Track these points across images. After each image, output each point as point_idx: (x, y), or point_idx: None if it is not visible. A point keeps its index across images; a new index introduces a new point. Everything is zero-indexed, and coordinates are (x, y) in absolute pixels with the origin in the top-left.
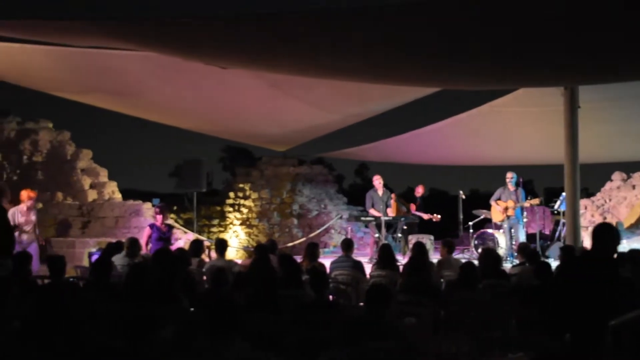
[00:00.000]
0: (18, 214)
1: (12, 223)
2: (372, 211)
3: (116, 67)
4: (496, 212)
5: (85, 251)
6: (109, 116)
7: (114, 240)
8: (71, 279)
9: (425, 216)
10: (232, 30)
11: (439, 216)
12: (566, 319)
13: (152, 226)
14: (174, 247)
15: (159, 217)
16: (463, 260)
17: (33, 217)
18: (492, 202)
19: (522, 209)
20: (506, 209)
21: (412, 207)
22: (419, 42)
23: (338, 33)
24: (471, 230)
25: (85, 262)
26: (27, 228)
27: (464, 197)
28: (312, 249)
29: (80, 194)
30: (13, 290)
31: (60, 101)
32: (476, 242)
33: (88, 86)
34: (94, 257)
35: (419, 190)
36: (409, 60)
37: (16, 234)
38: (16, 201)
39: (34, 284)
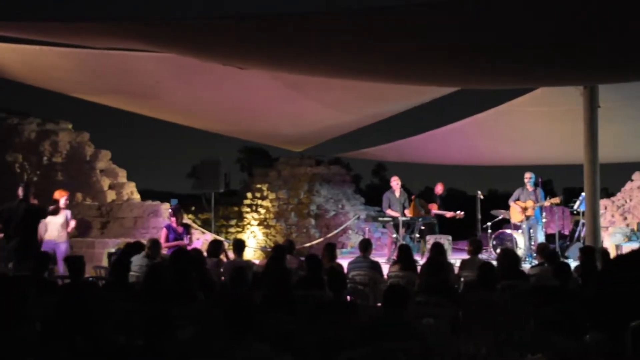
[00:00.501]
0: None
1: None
2: (390, 211)
3: (135, 68)
4: (515, 213)
5: (104, 251)
6: (127, 117)
7: (132, 241)
8: (91, 279)
9: (449, 214)
10: (250, 31)
11: (462, 212)
12: (610, 320)
13: (168, 227)
14: (190, 248)
15: (173, 219)
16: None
17: (62, 218)
18: (511, 203)
19: (541, 209)
20: (525, 209)
21: (434, 206)
22: (438, 42)
23: (357, 32)
24: (489, 231)
25: (105, 262)
26: (56, 228)
27: (482, 197)
28: (330, 250)
29: (99, 195)
30: (33, 290)
31: (79, 102)
32: (494, 242)
33: (107, 87)
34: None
35: (439, 189)
36: (427, 59)
37: (46, 234)
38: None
39: (54, 284)
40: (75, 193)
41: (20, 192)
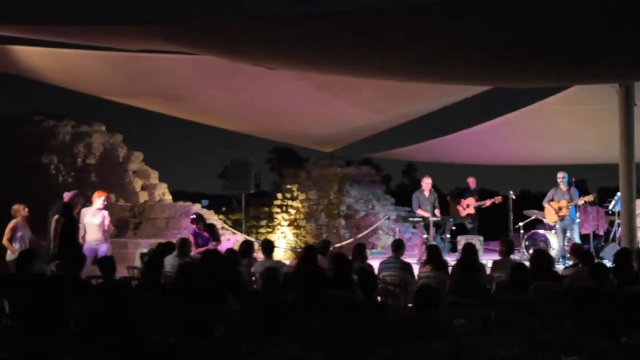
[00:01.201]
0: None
1: (80, 223)
2: (420, 211)
3: (166, 70)
4: (550, 214)
5: (137, 252)
6: (159, 119)
7: (164, 241)
8: (123, 279)
9: (488, 202)
10: (280, 31)
11: (500, 197)
12: None
13: (195, 234)
14: (223, 248)
15: (195, 227)
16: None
17: (99, 219)
18: (545, 204)
19: (576, 208)
20: (559, 209)
21: (472, 200)
22: (470, 40)
23: (388, 32)
24: (522, 231)
25: (137, 263)
26: (95, 229)
27: (514, 197)
28: (361, 250)
29: (132, 196)
30: (67, 290)
31: (112, 105)
32: (527, 243)
33: (139, 89)
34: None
35: (472, 184)
36: (460, 58)
37: (85, 236)
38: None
39: (89, 284)
40: (108, 194)
41: (67, 198)
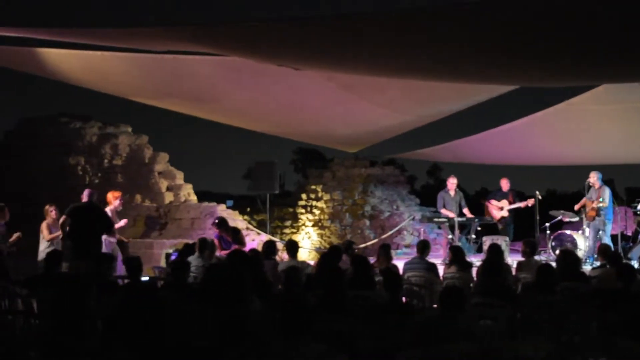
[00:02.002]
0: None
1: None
2: (444, 211)
3: (191, 71)
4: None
5: (162, 252)
6: (184, 120)
7: (190, 242)
8: (149, 279)
9: (522, 204)
10: (305, 32)
11: (532, 200)
12: None
13: (219, 238)
14: (247, 248)
15: (217, 232)
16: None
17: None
18: (577, 206)
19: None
20: (589, 209)
21: (505, 203)
22: (496, 39)
23: (413, 32)
24: (548, 232)
25: (163, 263)
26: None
27: (540, 197)
28: (386, 251)
29: (157, 196)
30: (94, 290)
31: (138, 106)
32: (553, 243)
33: (164, 91)
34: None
35: (505, 185)
36: (485, 57)
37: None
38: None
39: (115, 284)
40: (134, 195)
41: (85, 197)
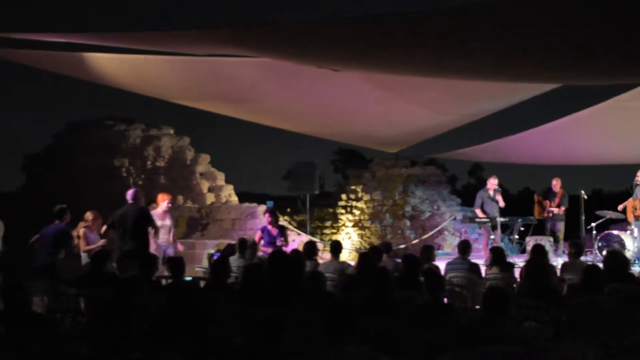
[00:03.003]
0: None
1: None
2: (478, 211)
3: (232, 73)
4: (629, 212)
5: (204, 252)
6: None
7: (232, 242)
8: (192, 279)
9: (556, 210)
10: (345, 33)
11: (563, 207)
12: None
13: (263, 230)
14: (288, 249)
15: (269, 220)
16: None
17: (168, 221)
18: (621, 206)
19: None
20: (634, 208)
21: (547, 204)
22: (539, 36)
23: (455, 30)
24: (594, 232)
25: (205, 263)
26: (164, 231)
27: (585, 197)
28: (428, 251)
29: (199, 198)
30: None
31: (180, 108)
32: (600, 244)
33: (206, 93)
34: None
35: (555, 185)
36: (529, 56)
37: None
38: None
39: (159, 285)
40: (176, 196)
41: (130, 197)
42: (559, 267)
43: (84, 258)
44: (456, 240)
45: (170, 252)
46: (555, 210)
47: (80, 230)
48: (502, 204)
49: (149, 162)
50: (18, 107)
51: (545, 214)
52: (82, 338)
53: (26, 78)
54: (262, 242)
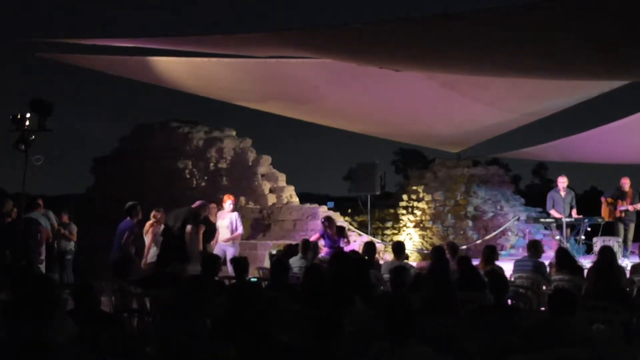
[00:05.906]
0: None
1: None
2: (553, 212)
3: (293, 75)
4: None
5: (266, 253)
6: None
7: (293, 242)
8: (254, 280)
9: (631, 207)
10: (406, 33)
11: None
12: None
13: (322, 234)
14: (348, 249)
15: (322, 228)
16: None
17: (228, 221)
18: None
19: None
20: None
21: (620, 203)
22: (605, 33)
23: (519, 28)
24: None
25: (267, 264)
26: (227, 230)
27: None
28: (490, 252)
29: (260, 198)
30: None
31: (242, 110)
32: None
33: (267, 95)
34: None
35: (625, 184)
36: (594, 53)
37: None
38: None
39: (222, 285)
40: (238, 197)
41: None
42: (628, 268)
43: (152, 255)
44: (520, 241)
45: (231, 252)
46: (630, 207)
47: (149, 228)
48: (576, 215)
49: (211, 164)
50: (88, 112)
51: (617, 213)
52: (148, 338)
53: (95, 83)
54: (324, 247)
